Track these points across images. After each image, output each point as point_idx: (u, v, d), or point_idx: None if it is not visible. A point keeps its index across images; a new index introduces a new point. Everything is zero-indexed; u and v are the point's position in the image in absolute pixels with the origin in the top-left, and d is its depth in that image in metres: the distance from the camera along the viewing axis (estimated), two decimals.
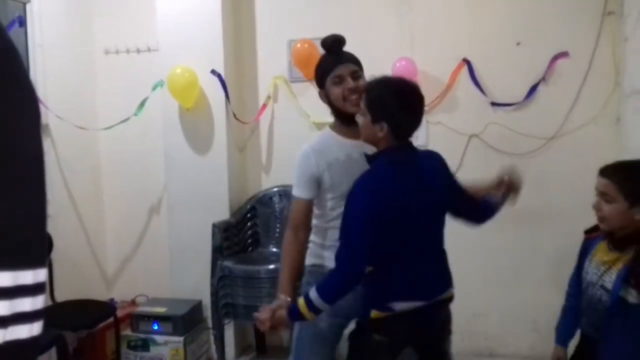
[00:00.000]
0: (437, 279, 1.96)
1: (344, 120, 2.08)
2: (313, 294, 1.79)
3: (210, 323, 3.56)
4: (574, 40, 3.35)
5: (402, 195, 1.83)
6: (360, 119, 1.90)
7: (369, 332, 1.90)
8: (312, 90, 3.73)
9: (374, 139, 1.88)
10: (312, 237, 2.18)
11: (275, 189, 3.74)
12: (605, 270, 1.82)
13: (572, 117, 3.38)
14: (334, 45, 2.09)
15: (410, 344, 1.97)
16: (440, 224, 1.98)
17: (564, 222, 3.42)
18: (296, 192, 2.09)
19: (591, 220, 3.33)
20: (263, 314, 1.92)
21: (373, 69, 3.70)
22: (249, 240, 3.70)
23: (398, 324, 1.85)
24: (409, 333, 1.90)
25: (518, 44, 3.44)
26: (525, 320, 3.54)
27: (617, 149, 3.25)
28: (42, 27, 3.53)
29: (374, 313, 1.85)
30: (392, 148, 1.85)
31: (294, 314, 1.85)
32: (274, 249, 3.56)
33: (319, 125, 3.52)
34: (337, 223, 1.93)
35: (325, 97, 2.11)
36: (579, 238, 3.37)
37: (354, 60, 2.10)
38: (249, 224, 3.71)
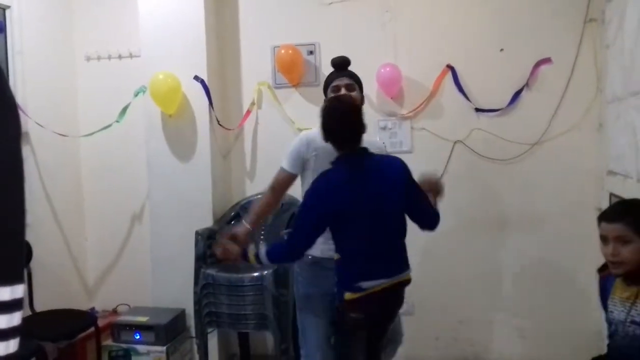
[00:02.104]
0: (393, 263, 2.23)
1: None
2: (262, 253, 2.23)
3: (193, 332, 3.51)
4: (557, 46, 3.38)
5: (350, 198, 2.14)
6: None
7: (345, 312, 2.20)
8: (297, 96, 3.73)
9: None
10: None
11: (259, 196, 3.69)
12: (631, 306, 1.84)
13: (555, 123, 3.41)
14: (337, 64, 2.58)
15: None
16: (394, 221, 2.22)
17: (548, 227, 3.45)
18: (284, 164, 2.51)
19: (575, 225, 3.37)
20: (223, 239, 2.38)
21: (357, 74, 3.69)
22: None
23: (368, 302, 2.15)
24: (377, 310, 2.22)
25: (501, 50, 3.46)
26: (511, 327, 3.54)
27: (600, 155, 3.28)
28: (22, 33, 3.48)
29: (347, 295, 2.14)
30: (342, 156, 2.19)
31: (244, 256, 2.29)
32: None
33: None
34: None
35: None
36: (564, 243, 3.41)
37: (350, 76, 2.55)
38: None
